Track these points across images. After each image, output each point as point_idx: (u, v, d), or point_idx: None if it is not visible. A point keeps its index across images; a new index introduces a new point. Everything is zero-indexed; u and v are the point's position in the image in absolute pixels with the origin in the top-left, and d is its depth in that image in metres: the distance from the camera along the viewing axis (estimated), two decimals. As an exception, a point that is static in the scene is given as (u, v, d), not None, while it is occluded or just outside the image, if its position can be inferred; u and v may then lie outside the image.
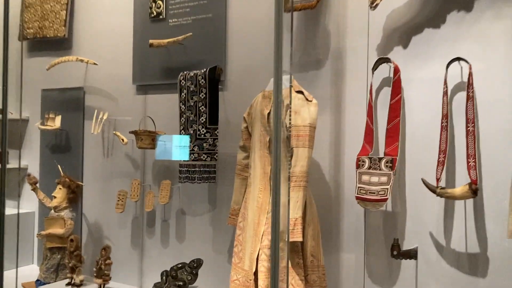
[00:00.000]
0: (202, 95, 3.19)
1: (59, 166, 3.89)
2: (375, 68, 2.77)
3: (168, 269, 3.13)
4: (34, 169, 4.49)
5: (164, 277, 3.05)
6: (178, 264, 3.13)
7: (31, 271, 4.28)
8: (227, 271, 3.36)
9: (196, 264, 3.08)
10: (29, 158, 4.58)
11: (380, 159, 2.60)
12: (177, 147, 3.79)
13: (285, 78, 2.91)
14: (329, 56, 3.02)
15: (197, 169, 3.21)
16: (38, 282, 3.72)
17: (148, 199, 3.60)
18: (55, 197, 3.72)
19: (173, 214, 3.69)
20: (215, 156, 3.21)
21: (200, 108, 3.20)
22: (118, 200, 3.71)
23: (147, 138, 3.50)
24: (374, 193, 2.57)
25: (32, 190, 3.80)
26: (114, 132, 3.83)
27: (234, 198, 3.01)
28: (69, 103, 4.26)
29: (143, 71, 3.82)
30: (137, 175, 3.85)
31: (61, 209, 3.72)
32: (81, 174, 4.15)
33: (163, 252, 3.72)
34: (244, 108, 3.12)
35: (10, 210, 4.54)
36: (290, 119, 2.42)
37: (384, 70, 2.81)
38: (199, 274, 3.24)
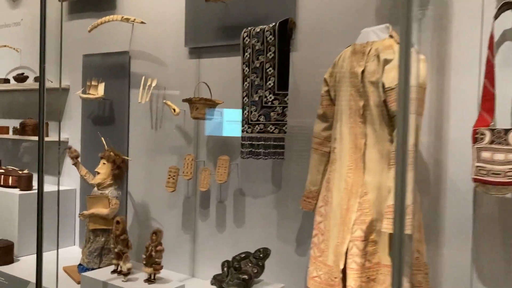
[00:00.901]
0: (270, 55, 2.67)
1: (102, 138, 3.48)
2: (497, 15, 2.17)
3: (230, 259, 2.67)
4: (75, 142, 4.12)
5: (225, 268, 2.59)
6: (241, 253, 2.67)
7: (72, 253, 3.93)
8: (294, 263, 2.88)
9: (263, 255, 2.61)
10: (70, 130, 4.20)
11: (508, 131, 2.03)
12: (230, 122, 3.33)
13: (378, 28, 2.36)
14: (430, 0, 2.44)
15: (263, 143, 2.71)
16: (81, 266, 3.35)
17: (204, 177, 3.13)
18: (98, 173, 3.32)
19: (230, 195, 3.22)
20: (284, 128, 2.69)
21: (268, 70, 2.68)
22: (169, 178, 3.27)
23: (203, 107, 3.02)
24: (500, 174, 2.00)
25: (73, 165, 3.41)
26: (164, 101, 3.37)
27: (310, 177, 2.50)
28: (113, 69, 3.83)
29: (197, 31, 3.33)
30: (190, 149, 3.40)
31: (105, 186, 3.32)
32: (126, 148, 3.73)
33: (218, 237, 3.27)
34: (317, 71, 2.60)
35: (49, 187, 4.19)
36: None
37: (507, 19, 2.21)
38: (263, 265, 2.77)
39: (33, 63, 4.51)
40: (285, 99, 2.68)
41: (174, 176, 3.27)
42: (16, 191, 3.85)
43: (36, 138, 4.08)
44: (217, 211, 3.29)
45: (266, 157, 2.73)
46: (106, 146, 3.44)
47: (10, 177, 3.97)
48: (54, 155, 4.25)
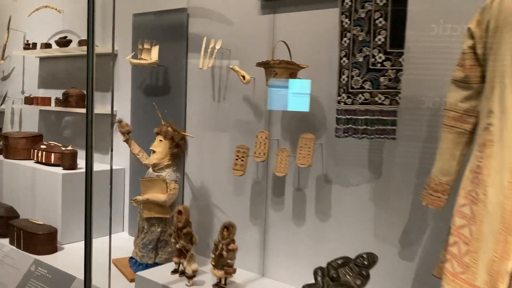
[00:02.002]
0: (381, 1, 2.02)
1: (158, 112, 2.93)
2: None
3: (324, 265, 2.09)
4: (124, 116, 3.60)
5: (319, 278, 2.02)
6: (337, 259, 2.08)
7: (121, 241, 3.47)
8: (398, 270, 2.29)
9: (368, 262, 2.02)
10: (117, 101, 3.69)
11: None
12: (295, 94, 2.73)
13: None
14: None
15: (368, 117, 2.09)
16: (133, 260, 2.86)
17: (281, 159, 2.55)
18: (154, 151, 2.79)
19: (311, 181, 2.63)
20: (397, 98, 2.06)
21: (377, 21, 2.04)
22: (237, 159, 2.71)
23: (284, 72, 2.42)
24: None
25: (124, 141, 2.90)
26: (230, 66, 2.78)
27: (440, 164, 1.87)
28: (168, 30, 3.26)
29: (272, -20, 2.71)
30: (261, 125, 2.81)
31: (161, 167, 2.79)
32: (183, 122, 3.18)
33: (294, 231, 2.70)
34: (444, 22, 1.94)
35: (96, 165, 3.68)
36: None
37: None
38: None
39: (76, 26, 4.01)
40: (400, 59, 2.03)
41: (243, 157, 2.70)
42: (59, 169, 3.39)
43: (80, 110, 3.60)
44: (294, 201, 2.71)
45: (371, 136, 2.11)
46: (162, 121, 2.90)
47: (53, 154, 3.52)
48: (100, 129, 3.77)
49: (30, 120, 4.52)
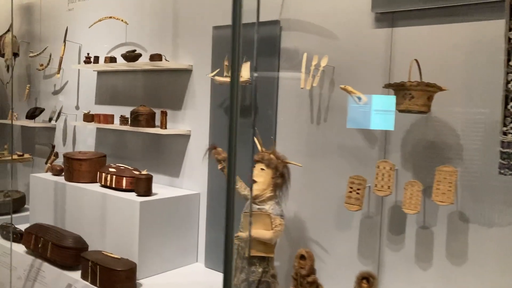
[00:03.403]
0: None
1: (256, 139, 2.62)
2: None
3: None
4: (201, 138, 3.31)
5: None
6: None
7: (196, 274, 3.18)
8: None
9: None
10: (192, 121, 3.40)
11: None
12: (380, 111, 2.45)
13: None
14: None
15: (546, 152, 1.77)
16: (228, 303, 2.54)
17: (411, 194, 2.23)
18: (255, 181, 2.48)
19: (441, 218, 2.31)
20: None
21: (560, 40, 1.72)
22: (351, 191, 2.40)
23: (422, 95, 2.10)
24: None
25: (220, 169, 2.59)
26: (341, 86, 2.47)
27: None
28: (259, 44, 2.97)
29: (391, -10, 2.40)
30: (374, 152, 2.50)
31: (263, 200, 2.48)
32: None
33: (418, 275, 2.37)
34: None
35: (168, 190, 3.43)
36: None
37: None
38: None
39: (140, 38, 3.73)
40: None
41: (358, 189, 2.39)
42: (133, 196, 3.10)
43: (151, 130, 3.32)
44: (418, 240, 2.38)
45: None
46: (260, 146, 2.59)
47: (124, 179, 3.22)
48: (173, 150, 3.48)
49: (86, 138, 4.24)
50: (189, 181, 3.43)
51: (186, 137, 3.41)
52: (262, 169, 2.48)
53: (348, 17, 2.59)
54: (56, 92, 4.56)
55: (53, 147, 4.41)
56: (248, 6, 2.73)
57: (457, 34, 2.24)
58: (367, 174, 2.43)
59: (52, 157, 4.29)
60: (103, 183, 3.35)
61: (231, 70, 1.52)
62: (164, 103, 3.54)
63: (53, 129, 4.56)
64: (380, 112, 2.53)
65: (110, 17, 3.74)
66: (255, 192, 2.47)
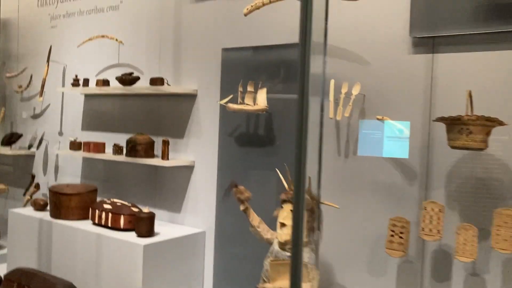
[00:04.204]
0: None
1: (281, 176, 2.34)
2: None
3: None
4: (206, 169, 3.01)
5: None
6: None
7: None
8: None
9: None
10: (196, 151, 3.09)
11: None
12: (393, 138, 2.28)
13: None
14: None
15: None
16: None
17: (465, 240, 1.99)
18: (284, 224, 2.19)
19: (494, 264, 2.08)
20: None
21: None
22: (393, 235, 2.14)
23: (482, 130, 1.88)
24: None
25: (243, 210, 2.29)
26: (378, 117, 2.24)
27: None
28: (272, 68, 2.71)
29: (432, 13, 2.19)
30: (413, 190, 2.26)
31: (294, 246, 2.18)
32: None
33: (468, 328, 2.13)
34: None
35: (169, 228, 3.05)
36: None
37: None
38: None
39: (135, 59, 3.41)
40: None
41: (401, 233, 2.14)
42: (133, 237, 2.75)
43: (150, 161, 2.99)
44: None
45: None
46: (287, 185, 2.31)
47: (122, 217, 2.87)
48: (174, 183, 3.15)
49: (70, 168, 3.85)
50: (192, 217, 3.10)
51: (189, 169, 3.09)
52: (292, 210, 2.19)
53: (382, 40, 2.37)
54: (36, 116, 4.16)
55: (33, 177, 3.99)
56: (280, 26, 2.43)
57: (508, 61, 2.05)
58: (406, 213, 2.19)
59: (33, 189, 3.87)
60: (96, 221, 2.98)
61: (300, 89, 1.28)
62: (164, 131, 3.22)
63: (32, 156, 4.14)
64: (394, 139, 2.34)
65: (103, 36, 3.41)
66: (285, 238, 2.18)
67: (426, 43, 2.25)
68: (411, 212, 2.23)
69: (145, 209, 2.81)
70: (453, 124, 1.92)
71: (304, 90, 1.32)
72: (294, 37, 2.64)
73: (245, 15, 2.59)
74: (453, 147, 1.95)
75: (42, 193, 3.94)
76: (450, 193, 2.19)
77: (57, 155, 3.94)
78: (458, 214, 2.15)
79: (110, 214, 2.91)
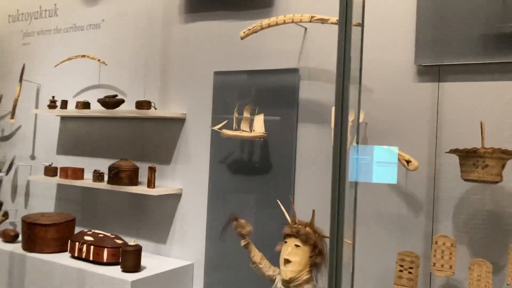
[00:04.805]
0: None
1: (283, 208, 2.21)
2: None
3: None
4: (194, 198, 2.85)
5: None
6: None
7: None
8: None
9: None
10: (183, 178, 2.93)
11: None
12: (383, 163, 2.24)
13: None
14: None
15: None
16: None
17: (478, 276, 1.92)
18: (288, 261, 2.05)
19: (507, 301, 2.01)
20: None
21: None
22: (402, 270, 2.05)
23: (498, 163, 1.82)
24: None
25: (243, 246, 2.14)
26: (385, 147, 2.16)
27: None
28: (270, 94, 2.61)
29: (438, 41, 2.16)
30: (420, 221, 2.18)
31: (299, 283, 2.06)
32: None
33: None
34: None
35: (159, 262, 2.76)
36: None
37: None
38: None
39: (117, 80, 3.24)
40: None
41: (411, 268, 2.05)
42: (118, 272, 2.55)
43: (136, 189, 2.82)
44: (479, 324, 2.06)
45: None
46: (290, 218, 2.19)
47: (105, 250, 2.67)
48: (158, 211, 2.97)
49: (43, 195, 3.59)
50: (179, 248, 2.92)
51: (176, 197, 2.92)
52: (297, 245, 2.07)
53: (385, 68, 2.31)
54: (4, 139, 3.89)
55: (0, 204, 3.70)
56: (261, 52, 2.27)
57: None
58: (413, 247, 2.11)
59: (0, 218, 3.58)
60: (76, 255, 2.76)
61: (338, 128, 1.21)
62: (149, 156, 3.05)
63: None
64: (383, 164, 2.27)
65: (83, 56, 3.22)
66: (289, 275, 2.04)
67: (432, 71, 2.20)
68: (419, 244, 2.15)
69: (132, 242, 2.62)
70: (468, 157, 1.86)
71: (342, 121, 1.23)
72: (289, 62, 2.57)
73: (242, 38, 2.49)
74: (466, 180, 1.89)
75: (10, 222, 3.66)
76: (457, 225, 2.12)
77: (28, 181, 3.68)
78: (468, 248, 2.09)
79: (92, 247, 2.70)
